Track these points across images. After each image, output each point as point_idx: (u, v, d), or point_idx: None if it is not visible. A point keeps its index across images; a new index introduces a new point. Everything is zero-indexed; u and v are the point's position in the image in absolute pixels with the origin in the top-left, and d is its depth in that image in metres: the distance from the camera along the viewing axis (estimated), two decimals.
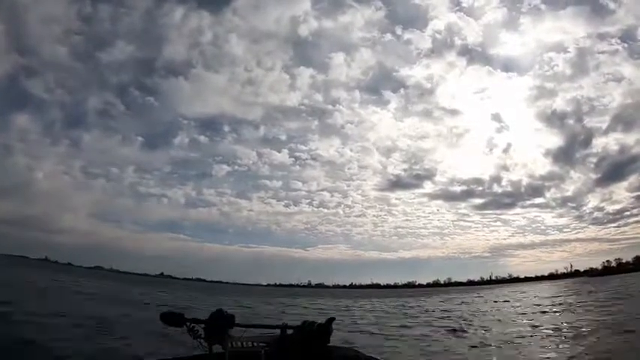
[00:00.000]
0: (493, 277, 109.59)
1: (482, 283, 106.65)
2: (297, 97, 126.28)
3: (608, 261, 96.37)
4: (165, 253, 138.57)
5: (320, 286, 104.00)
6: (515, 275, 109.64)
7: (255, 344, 2.01)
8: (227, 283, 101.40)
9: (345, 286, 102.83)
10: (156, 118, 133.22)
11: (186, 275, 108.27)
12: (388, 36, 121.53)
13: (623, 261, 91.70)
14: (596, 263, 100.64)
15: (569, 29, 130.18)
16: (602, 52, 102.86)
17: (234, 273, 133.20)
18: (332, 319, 2.07)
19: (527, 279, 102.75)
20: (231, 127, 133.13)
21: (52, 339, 6.71)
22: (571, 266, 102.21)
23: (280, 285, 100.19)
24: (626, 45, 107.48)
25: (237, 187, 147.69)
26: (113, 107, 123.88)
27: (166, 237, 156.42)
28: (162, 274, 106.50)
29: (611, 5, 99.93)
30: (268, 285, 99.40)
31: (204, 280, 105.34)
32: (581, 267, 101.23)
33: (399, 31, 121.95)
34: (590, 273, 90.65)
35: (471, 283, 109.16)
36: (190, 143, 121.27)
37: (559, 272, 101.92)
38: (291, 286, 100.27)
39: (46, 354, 5.99)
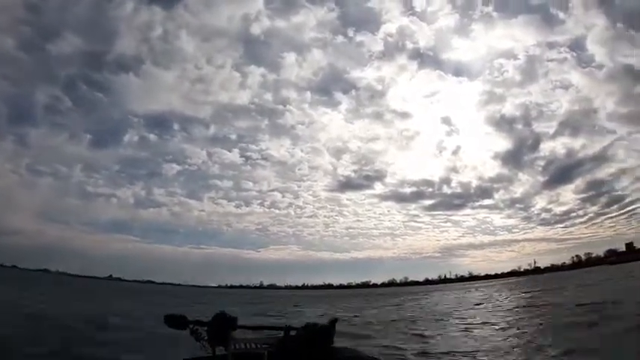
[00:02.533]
0: (453, 276, 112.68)
1: (440, 282, 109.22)
2: (247, 95, 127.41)
3: (577, 256, 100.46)
4: (114, 255, 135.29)
5: (272, 287, 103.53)
6: (476, 273, 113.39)
7: (258, 346, 2.01)
8: (178, 285, 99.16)
9: (297, 287, 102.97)
10: (105, 115, 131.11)
11: (136, 277, 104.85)
12: (340, 37, 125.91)
13: (593, 256, 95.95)
14: (545, 262, 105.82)
15: (519, 37, 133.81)
16: (551, 60, 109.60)
17: (185, 275, 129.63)
18: (335, 320, 2.06)
19: (487, 277, 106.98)
20: (181, 126, 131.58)
21: None
22: (535, 262, 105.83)
23: (231, 286, 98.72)
24: (574, 54, 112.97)
25: (187, 187, 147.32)
26: (61, 102, 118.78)
27: (115, 238, 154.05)
28: (110, 276, 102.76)
29: (561, 15, 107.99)
30: (219, 286, 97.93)
31: (153, 282, 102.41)
32: (542, 264, 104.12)
33: (351, 33, 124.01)
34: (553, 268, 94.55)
35: (428, 282, 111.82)
36: (140, 141, 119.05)
37: (522, 269, 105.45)
38: (242, 287, 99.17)
39: None
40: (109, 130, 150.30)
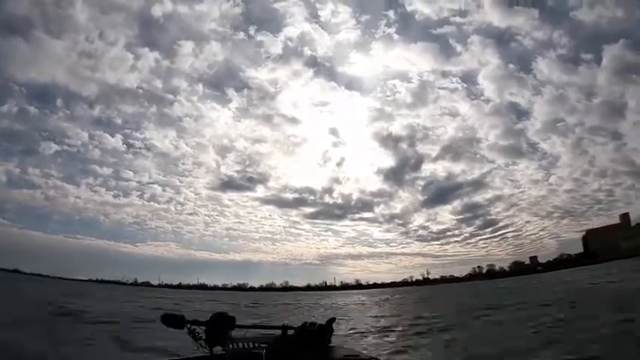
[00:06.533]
0: (337, 284, 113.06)
1: (323, 288, 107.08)
2: (137, 79, 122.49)
3: (475, 269, 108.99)
4: None
5: (146, 284, 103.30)
6: (365, 282, 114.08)
7: (255, 345, 2.02)
8: (47, 276, 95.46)
9: (172, 286, 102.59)
10: None
11: (2, 265, 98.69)
12: (241, 34, 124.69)
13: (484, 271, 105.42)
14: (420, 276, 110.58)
15: (416, 61, 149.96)
16: (443, 88, 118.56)
17: (58, 265, 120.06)
18: (333, 320, 2.12)
19: (375, 285, 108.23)
20: (64, 102, 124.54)
21: None
22: (427, 273, 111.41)
23: (102, 281, 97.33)
24: (465, 85, 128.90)
25: (65, 170, 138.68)
26: None
27: None
28: None
29: (459, 48, 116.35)
30: (90, 280, 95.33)
31: (20, 272, 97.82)
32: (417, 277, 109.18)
33: (252, 31, 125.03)
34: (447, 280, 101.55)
35: (309, 288, 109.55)
36: (18, 113, 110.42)
37: (414, 279, 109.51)
38: (115, 283, 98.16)
39: None
40: None
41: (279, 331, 2.06)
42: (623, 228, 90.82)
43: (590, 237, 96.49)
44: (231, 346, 1.99)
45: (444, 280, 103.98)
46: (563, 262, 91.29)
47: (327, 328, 2.09)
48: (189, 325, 1.99)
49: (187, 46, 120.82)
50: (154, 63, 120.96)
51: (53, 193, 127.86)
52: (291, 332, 2.06)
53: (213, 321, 1.99)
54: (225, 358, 1.97)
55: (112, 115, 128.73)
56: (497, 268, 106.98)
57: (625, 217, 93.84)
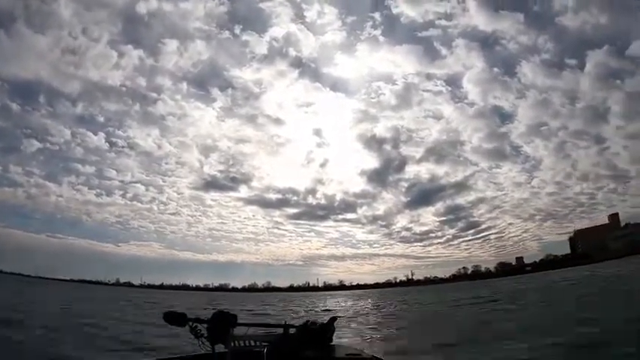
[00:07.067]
0: (320, 285, 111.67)
1: (306, 289, 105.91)
2: (120, 76, 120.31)
3: (461, 270, 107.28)
4: None
5: (127, 284, 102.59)
6: (348, 283, 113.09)
7: (257, 343, 2.05)
8: (28, 275, 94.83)
9: (154, 286, 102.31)
10: None
11: None
12: (226, 33, 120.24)
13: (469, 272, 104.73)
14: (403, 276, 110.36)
15: (401, 64, 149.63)
16: (427, 91, 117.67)
17: (39, 265, 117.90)
18: (334, 319, 2.16)
19: (358, 286, 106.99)
20: (47, 99, 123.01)
21: None
22: (412, 274, 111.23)
23: (83, 281, 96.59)
24: (449, 88, 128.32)
25: (47, 168, 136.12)
26: None
27: None
28: None
29: (444, 51, 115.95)
30: (72, 280, 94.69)
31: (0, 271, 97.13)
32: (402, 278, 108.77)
33: (237, 30, 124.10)
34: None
35: (292, 288, 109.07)
36: (0, 109, 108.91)
37: (398, 280, 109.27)
38: (97, 283, 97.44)
39: None
40: None
41: (280, 330, 2.09)
42: (612, 228, 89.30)
43: (579, 238, 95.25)
44: (232, 344, 2.01)
45: (428, 281, 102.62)
46: (551, 262, 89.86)
47: (328, 327, 2.09)
48: (190, 323, 2.02)
49: (172, 45, 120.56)
50: (138, 61, 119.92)
51: (35, 192, 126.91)
52: (292, 331, 2.08)
53: (214, 319, 2.00)
54: (226, 356, 1.98)
55: (94, 113, 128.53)
56: (482, 269, 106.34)
57: (614, 217, 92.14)
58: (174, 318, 2.05)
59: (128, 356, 7.17)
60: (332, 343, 2.14)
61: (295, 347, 1.98)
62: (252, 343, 2.04)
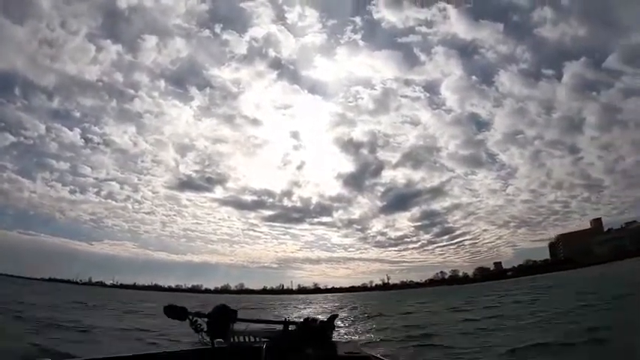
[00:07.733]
0: (294, 287, 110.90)
1: (280, 292, 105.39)
2: (97, 71, 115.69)
3: (438, 274, 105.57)
4: None
5: (100, 284, 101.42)
6: (322, 286, 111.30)
7: (257, 339, 2.02)
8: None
9: (126, 286, 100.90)
10: None
11: None
12: (206, 32, 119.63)
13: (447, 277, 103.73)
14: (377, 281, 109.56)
15: (379, 68, 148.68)
16: (405, 96, 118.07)
17: (7, 262, 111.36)
18: (335, 316, 2.12)
19: (333, 289, 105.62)
20: (22, 91, 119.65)
21: None
22: (388, 278, 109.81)
23: (53, 279, 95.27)
24: (427, 94, 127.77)
25: (20, 163, 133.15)
26: None
27: None
28: None
29: (423, 58, 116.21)
30: (42, 279, 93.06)
31: None
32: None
33: (217, 29, 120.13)
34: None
35: (265, 291, 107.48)
36: None
37: (373, 284, 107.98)
38: (67, 282, 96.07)
39: None
40: None
41: (280, 326, 2.06)
42: (595, 233, 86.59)
43: (561, 243, 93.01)
44: (232, 339, 2.02)
45: (404, 285, 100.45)
46: (530, 267, 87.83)
47: (328, 325, 2.06)
48: (191, 317, 2.04)
49: (151, 41, 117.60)
50: (116, 56, 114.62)
51: (7, 187, 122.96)
52: (292, 327, 2.05)
53: (215, 313, 2.02)
54: (226, 350, 2.02)
55: (70, 108, 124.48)
56: (460, 274, 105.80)
57: (597, 222, 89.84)
58: (175, 312, 2.06)
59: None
60: (332, 340, 2.11)
61: (295, 344, 1.96)
62: (252, 339, 2.05)
